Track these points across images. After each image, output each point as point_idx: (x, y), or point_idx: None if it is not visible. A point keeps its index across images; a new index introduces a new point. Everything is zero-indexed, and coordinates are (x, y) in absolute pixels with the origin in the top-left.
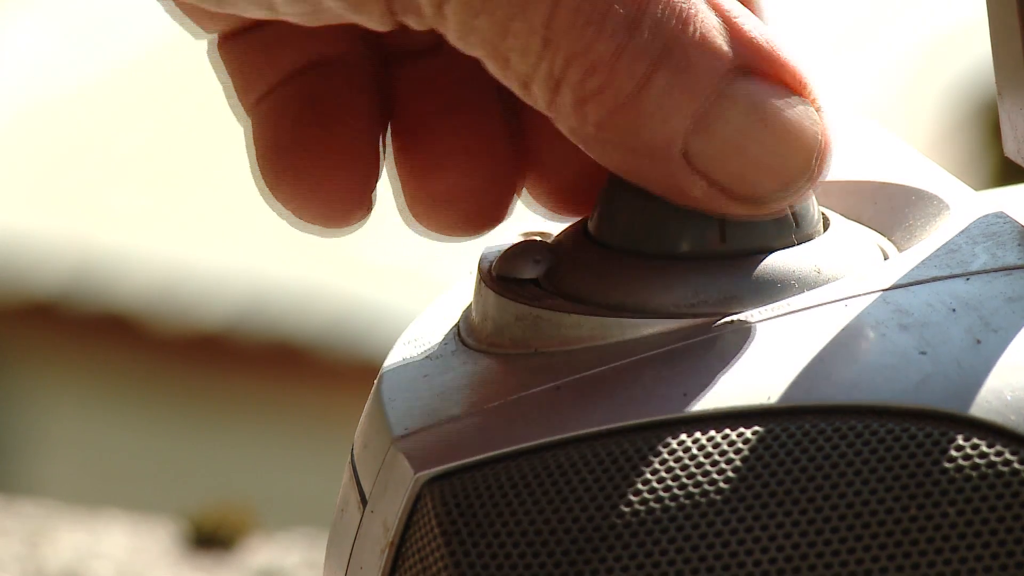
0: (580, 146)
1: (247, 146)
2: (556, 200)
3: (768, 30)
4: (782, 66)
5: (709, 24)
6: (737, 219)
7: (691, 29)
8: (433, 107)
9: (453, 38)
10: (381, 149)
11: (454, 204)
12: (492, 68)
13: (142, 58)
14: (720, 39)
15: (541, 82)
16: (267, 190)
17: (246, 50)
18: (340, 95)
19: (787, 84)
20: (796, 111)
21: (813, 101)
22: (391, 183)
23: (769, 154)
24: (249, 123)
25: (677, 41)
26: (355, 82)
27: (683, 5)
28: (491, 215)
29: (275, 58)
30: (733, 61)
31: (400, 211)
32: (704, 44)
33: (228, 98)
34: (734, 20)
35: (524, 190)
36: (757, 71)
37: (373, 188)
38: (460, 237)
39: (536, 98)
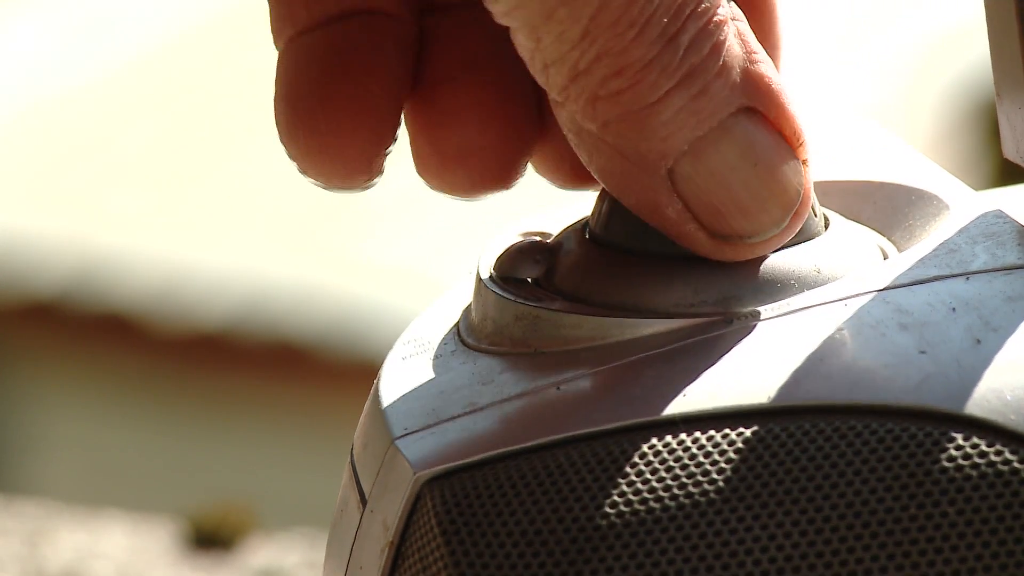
0: (571, 139)
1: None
2: (563, 173)
3: (782, 78)
4: (786, 117)
5: (733, 59)
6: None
7: (717, 59)
8: (456, 60)
9: (496, 10)
10: (401, 113)
11: (464, 161)
12: (520, 41)
13: (142, 58)
14: (738, 75)
15: (564, 68)
16: (282, 138)
17: None
18: (373, 48)
19: (785, 136)
20: (787, 164)
21: (804, 159)
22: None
23: (750, 196)
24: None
25: (703, 67)
26: (391, 35)
27: (716, 33)
28: (500, 176)
29: None
30: (744, 100)
31: (416, 167)
32: (724, 76)
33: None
34: (755, 60)
35: (536, 160)
36: (762, 115)
37: (387, 150)
38: (468, 196)
39: (550, 81)
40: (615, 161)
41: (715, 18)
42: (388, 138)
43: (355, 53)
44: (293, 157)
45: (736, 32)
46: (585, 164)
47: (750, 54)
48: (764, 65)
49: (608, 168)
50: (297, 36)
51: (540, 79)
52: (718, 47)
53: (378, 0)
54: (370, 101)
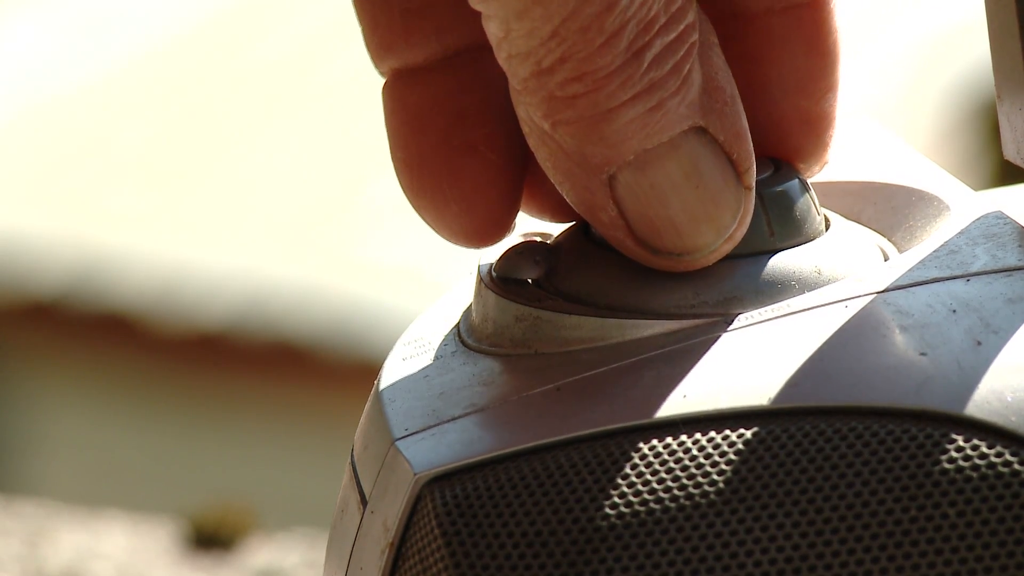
0: (522, 126)
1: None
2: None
3: (738, 100)
4: (737, 142)
5: (693, 77)
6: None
7: (678, 76)
8: None
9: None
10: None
11: (557, 210)
12: (490, 28)
13: (142, 58)
14: (696, 94)
15: (528, 63)
16: (409, 201)
17: (386, 8)
18: (489, 104)
19: (733, 160)
20: (729, 189)
21: (748, 185)
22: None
23: (687, 217)
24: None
25: (662, 83)
26: (502, 80)
27: (680, 50)
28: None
29: (419, 28)
30: (698, 119)
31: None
32: (681, 94)
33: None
34: (715, 80)
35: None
36: (714, 136)
37: (519, 206)
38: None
39: (512, 71)
40: (558, 156)
41: (682, 36)
42: (517, 200)
43: (473, 115)
44: (422, 219)
45: (701, 51)
46: (533, 152)
47: (712, 75)
48: (724, 88)
49: (551, 160)
50: (404, 74)
51: (502, 65)
52: (680, 64)
53: (478, 28)
54: (496, 170)
